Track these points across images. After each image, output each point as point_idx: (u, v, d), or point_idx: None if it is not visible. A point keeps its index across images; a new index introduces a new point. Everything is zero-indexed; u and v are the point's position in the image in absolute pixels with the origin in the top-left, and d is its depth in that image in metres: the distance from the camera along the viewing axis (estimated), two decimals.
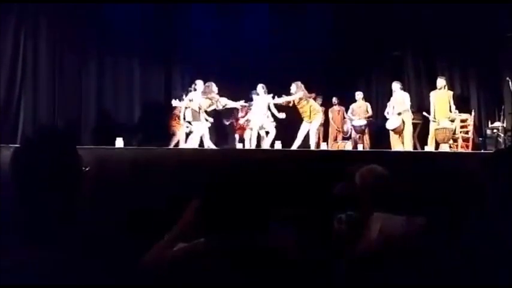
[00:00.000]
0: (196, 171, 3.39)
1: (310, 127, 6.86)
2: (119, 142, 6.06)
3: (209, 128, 6.84)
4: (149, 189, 3.13)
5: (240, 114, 7.70)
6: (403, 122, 6.99)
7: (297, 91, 6.79)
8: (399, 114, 6.94)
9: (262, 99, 6.93)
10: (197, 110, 6.52)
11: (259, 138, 7.08)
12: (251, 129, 7.02)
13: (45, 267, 0.93)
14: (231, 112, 7.77)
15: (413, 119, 7.14)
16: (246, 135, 7.16)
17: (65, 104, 6.86)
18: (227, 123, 7.93)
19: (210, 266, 1.11)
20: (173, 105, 7.12)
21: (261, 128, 6.96)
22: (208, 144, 6.56)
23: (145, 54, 7.59)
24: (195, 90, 6.63)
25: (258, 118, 6.92)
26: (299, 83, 6.81)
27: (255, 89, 7.01)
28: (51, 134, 1.19)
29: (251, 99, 7.16)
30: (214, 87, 6.62)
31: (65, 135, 1.20)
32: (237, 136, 7.71)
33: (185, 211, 1.32)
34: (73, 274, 0.96)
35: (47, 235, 1.01)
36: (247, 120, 7.17)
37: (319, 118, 7.01)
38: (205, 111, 6.74)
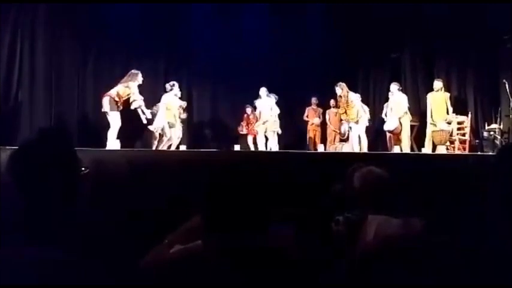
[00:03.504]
0: (195, 172, 3.39)
1: (358, 128, 6.95)
2: (116, 144, 6.04)
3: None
4: (147, 191, 3.13)
5: (249, 117, 7.91)
6: (401, 123, 7.02)
7: (343, 93, 6.84)
8: (398, 117, 6.98)
9: (265, 102, 7.02)
10: (115, 98, 5.95)
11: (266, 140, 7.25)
12: (257, 132, 7.18)
13: (44, 267, 0.93)
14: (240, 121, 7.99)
15: (410, 121, 7.17)
16: (259, 137, 7.26)
17: (63, 106, 6.85)
18: (242, 132, 8.05)
19: (208, 267, 1.12)
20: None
21: (267, 130, 7.09)
22: (113, 143, 5.92)
23: (144, 55, 7.58)
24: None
25: (263, 120, 7.07)
26: (342, 83, 6.87)
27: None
28: (49, 136, 1.19)
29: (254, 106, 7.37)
30: (140, 78, 6.18)
31: (63, 137, 1.21)
32: (250, 137, 7.83)
33: (187, 224, 1.33)
34: (71, 275, 0.96)
35: (46, 236, 1.02)
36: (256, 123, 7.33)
37: (365, 119, 7.07)
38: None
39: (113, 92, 5.99)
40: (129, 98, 6.11)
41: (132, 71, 6.23)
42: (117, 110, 5.95)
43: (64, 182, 1.10)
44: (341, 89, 6.92)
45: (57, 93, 6.80)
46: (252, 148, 7.64)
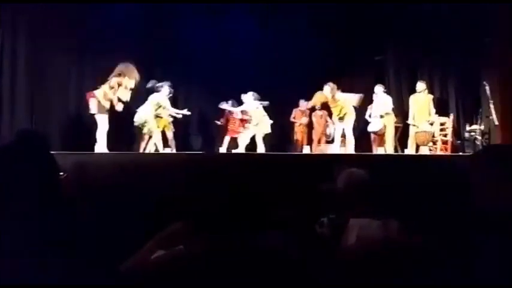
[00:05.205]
0: (181, 175, 3.37)
1: (344, 127, 6.93)
2: (103, 146, 5.93)
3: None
4: (132, 194, 3.09)
5: (230, 115, 7.81)
6: (385, 125, 7.10)
7: (332, 92, 6.82)
8: (381, 117, 7.07)
9: (253, 105, 7.08)
10: (104, 98, 5.73)
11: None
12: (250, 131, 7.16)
13: (29, 270, 0.92)
14: (223, 112, 7.85)
15: (394, 122, 7.26)
16: (241, 138, 7.19)
17: (42, 108, 6.69)
18: (220, 123, 7.96)
19: (189, 273, 1.11)
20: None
21: (259, 131, 7.08)
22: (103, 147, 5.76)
23: (131, 57, 7.46)
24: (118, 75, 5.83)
25: (256, 122, 7.09)
26: (332, 84, 6.85)
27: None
28: (26, 140, 1.16)
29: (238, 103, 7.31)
30: (136, 73, 5.86)
31: (40, 140, 1.18)
32: (227, 138, 7.70)
33: (168, 229, 1.31)
34: (51, 277, 0.94)
35: (26, 240, 0.99)
36: (244, 124, 7.26)
37: (352, 118, 6.98)
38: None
39: (99, 93, 5.82)
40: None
41: (124, 64, 5.99)
42: (104, 112, 5.83)
43: (41, 186, 1.07)
44: (330, 88, 6.90)
45: (38, 96, 6.64)
46: (225, 150, 7.46)
